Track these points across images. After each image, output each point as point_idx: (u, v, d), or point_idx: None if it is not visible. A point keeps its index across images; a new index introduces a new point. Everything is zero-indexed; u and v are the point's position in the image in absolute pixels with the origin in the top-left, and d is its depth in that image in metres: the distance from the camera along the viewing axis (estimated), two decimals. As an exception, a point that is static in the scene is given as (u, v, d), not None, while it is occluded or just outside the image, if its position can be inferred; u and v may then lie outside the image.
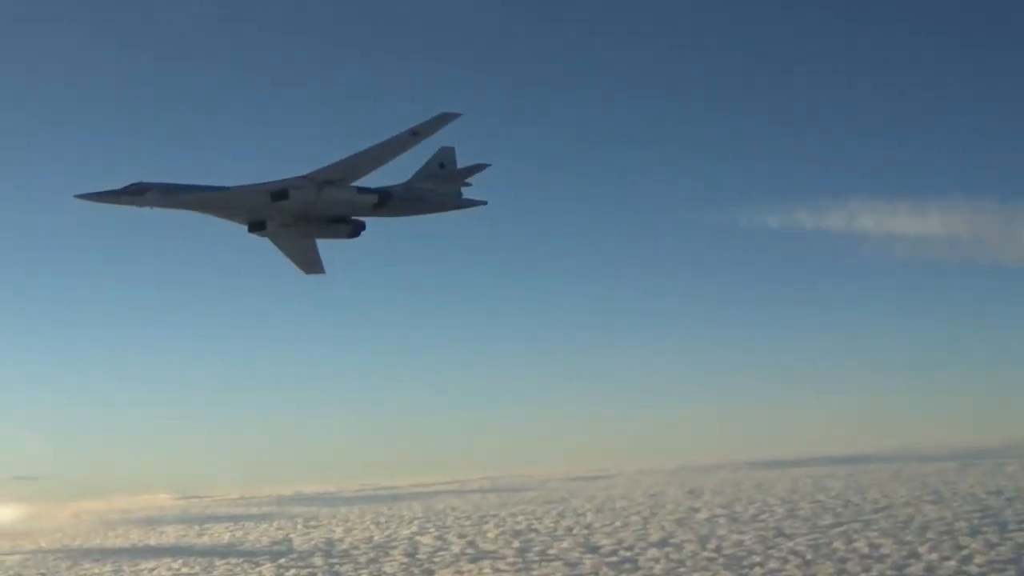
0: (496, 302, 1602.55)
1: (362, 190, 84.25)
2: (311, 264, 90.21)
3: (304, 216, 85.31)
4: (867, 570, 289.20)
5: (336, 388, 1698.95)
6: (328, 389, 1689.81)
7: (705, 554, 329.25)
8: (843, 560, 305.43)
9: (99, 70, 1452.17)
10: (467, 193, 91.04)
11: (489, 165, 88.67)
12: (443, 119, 77.73)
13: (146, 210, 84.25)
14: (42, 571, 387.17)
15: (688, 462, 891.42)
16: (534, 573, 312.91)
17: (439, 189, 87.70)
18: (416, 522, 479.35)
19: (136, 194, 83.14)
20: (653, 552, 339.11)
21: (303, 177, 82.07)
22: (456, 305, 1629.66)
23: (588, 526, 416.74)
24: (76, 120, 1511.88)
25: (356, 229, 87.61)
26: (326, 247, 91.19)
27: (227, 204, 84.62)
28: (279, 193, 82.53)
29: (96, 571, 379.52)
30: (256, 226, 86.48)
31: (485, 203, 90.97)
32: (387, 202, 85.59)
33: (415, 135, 78.38)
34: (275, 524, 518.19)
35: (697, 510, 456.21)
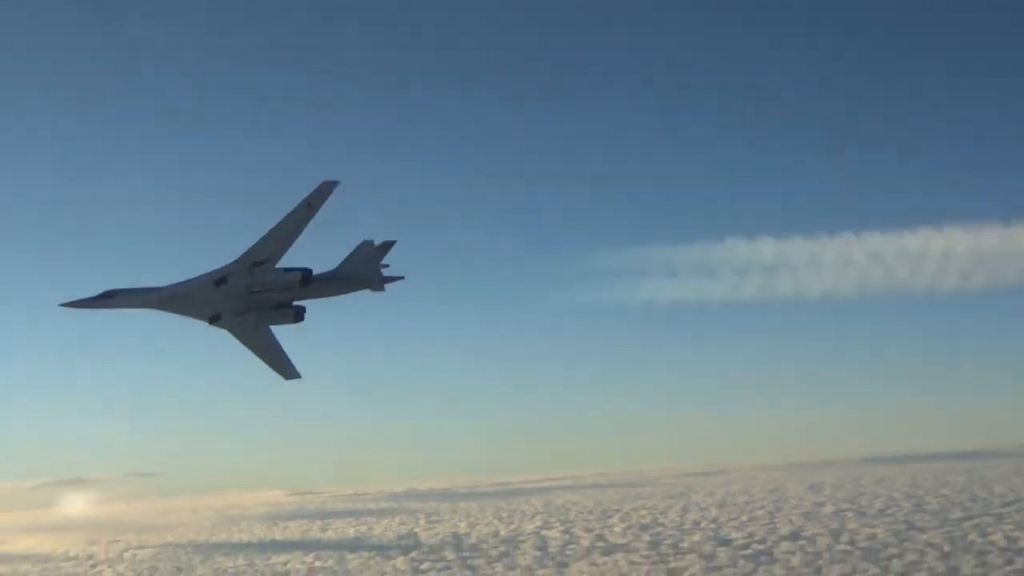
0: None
1: (287, 270, 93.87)
2: (283, 366, 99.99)
3: (250, 303, 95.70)
4: (1010, 563, 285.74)
5: (433, 388, 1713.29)
6: (426, 389, 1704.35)
7: (840, 547, 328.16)
8: (982, 553, 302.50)
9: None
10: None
11: (395, 242, 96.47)
12: (325, 186, 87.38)
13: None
14: (177, 565, 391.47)
15: (801, 458, 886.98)
16: (670, 565, 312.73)
17: (360, 271, 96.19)
18: (539, 517, 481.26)
19: (108, 298, 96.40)
20: (786, 545, 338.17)
21: (235, 262, 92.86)
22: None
23: (715, 520, 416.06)
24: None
25: (299, 314, 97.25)
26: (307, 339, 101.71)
27: (182, 297, 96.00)
28: (220, 280, 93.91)
29: (229, 565, 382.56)
30: (214, 318, 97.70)
31: (402, 278, 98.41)
32: (310, 279, 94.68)
33: (309, 205, 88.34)
34: (397, 519, 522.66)
35: (822, 504, 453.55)
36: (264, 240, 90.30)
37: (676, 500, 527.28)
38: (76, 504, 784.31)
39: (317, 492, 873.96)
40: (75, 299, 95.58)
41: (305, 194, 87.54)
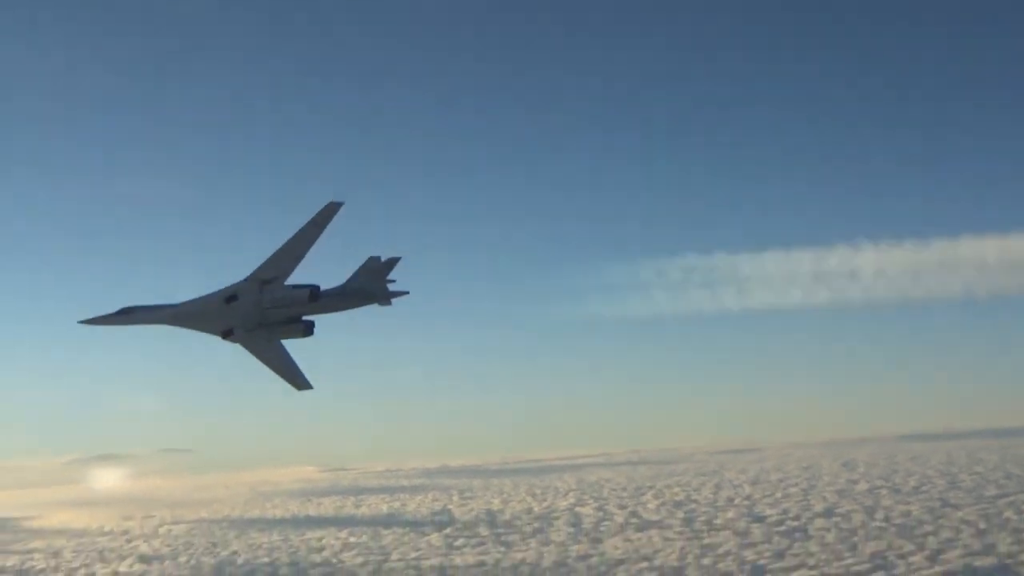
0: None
1: (296, 286, 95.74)
2: (295, 378, 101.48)
3: (261, 318, 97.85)
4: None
5: (461, 373, 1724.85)
6: (454, 375, 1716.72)
7: (875, 523, 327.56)
8: (1018, 530, 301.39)
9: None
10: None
11: (400, 258, 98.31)
12: (330, 208, 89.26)
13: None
14: (212, 540, 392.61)
15: (835, 436, 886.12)
16: (704, 542, 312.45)
17: (367, 287, 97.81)
18: (572, 493, 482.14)
19: (124, 315, 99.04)
20: (821, 522, 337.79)
21: (245, 280, 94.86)
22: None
23: (748, 497, 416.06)
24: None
25: (308, 328, 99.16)
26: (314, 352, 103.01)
27: (195, 313, 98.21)
28: (231, 297, 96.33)
29: (264, 540, 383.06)
30: (227, 333, 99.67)
31: (408, 292, 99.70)
32: (319, 295, 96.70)
33: (315, 225, 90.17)
34: (430, 496, 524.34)
35: (856, 482, 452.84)
36: (272, 259, 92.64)
37: (709, 477, 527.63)
38: (110, 480, 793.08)
39: (350, 468, 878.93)
40: (93, 316, 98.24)
41: (312, 213, 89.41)
